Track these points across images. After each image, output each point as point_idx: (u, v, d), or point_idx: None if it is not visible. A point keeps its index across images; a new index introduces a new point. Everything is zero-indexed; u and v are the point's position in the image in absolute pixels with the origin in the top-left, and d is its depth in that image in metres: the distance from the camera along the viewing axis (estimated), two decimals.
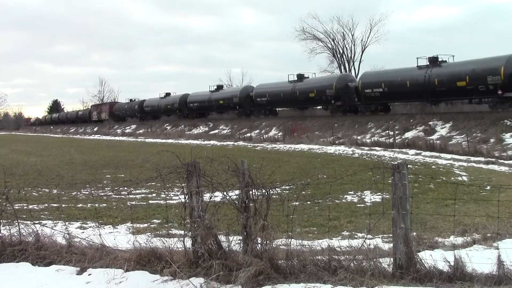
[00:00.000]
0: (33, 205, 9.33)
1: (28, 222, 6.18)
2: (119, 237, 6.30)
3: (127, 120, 67.07)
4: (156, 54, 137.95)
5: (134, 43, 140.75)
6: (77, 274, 5.25)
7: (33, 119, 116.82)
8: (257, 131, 37.46)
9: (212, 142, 34.92)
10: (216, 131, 42.61)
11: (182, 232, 5.53)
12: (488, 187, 11.41)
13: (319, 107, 41.04)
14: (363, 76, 35.22)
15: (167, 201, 8.98)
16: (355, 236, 7.12)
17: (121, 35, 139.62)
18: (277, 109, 43.96)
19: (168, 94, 58.01)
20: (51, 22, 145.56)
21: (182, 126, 49.45)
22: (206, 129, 44.93)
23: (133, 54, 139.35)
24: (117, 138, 50.03)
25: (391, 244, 4.93)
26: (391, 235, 4.90)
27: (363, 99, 33.55)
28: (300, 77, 39.94)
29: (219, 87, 50.88)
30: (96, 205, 9.61)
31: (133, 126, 58.83)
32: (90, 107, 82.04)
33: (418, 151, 21.14)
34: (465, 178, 13.64)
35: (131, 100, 66.57)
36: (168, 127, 51.37)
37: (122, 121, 67.40)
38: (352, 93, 34.74)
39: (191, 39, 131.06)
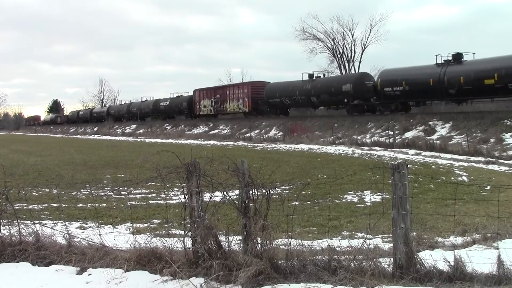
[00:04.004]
0: (33, 205, 9.33)
1: (28, 222, 6.18)
2: (119, 237, 6.30)
3: (289, 114, 41.00)
4: (155, 54, 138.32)
5: (132, 43, 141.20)
6: (77, 274, 5.25)
7: (48, 116, 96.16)
8: (257, 131, 37.45)
9: (212, 142, 34.92)
10: (216, 131, 42.61)
11: (182, 232, 5.53)
12: (488, 187, 11.41)
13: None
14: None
15: (167, 201, 8.98)
16: (355, 236, 7.11)
17: (119, 35, 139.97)
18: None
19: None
20: (49, 22, 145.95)
21: (182, 126, 49.44)
22: (206, 129, 44.92)
23: (131, 54, 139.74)
24: (117, 138, 50.02)
25: (391, 244, 4.92)
26: (391, 235, 4.90)
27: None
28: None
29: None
30: (96, 205, 9.61)
31: (133, 126, 58.82)
32: (194, 93, 50.63)
33: (418, 151, 21.14)
34: (465, 178, 13.63)
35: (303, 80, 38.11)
36: (168, 127, 51.37)
37: (281, 114, 40.65)
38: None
39: (189, 39, 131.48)
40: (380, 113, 32.87)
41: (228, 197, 5.13)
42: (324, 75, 40.75)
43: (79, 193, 11.63)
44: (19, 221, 6.06)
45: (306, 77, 38.39)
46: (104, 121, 68.98)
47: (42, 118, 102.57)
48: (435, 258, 4.69)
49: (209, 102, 47.98)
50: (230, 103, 45.21)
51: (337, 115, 36.04)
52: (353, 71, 56.11)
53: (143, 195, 11.12)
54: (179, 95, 55.21)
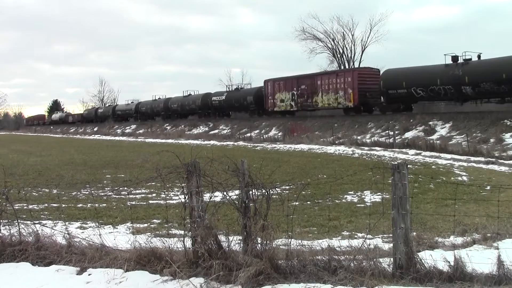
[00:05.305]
0: (33, 205, 9.33)
1: (28, 222, 6.17)
2: (119, 237, 6.31)
3: (412, 110, 31.14)
4: (155, 54, 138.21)
5: (132, 43, 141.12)
6: (77, 274, 5.25)
7: (57, 115, 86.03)
8: (257, 131, 37.45)
9: (212, 142, 34.91)
10: (216, 131, 42.60)
11: (182, 232, 5.53)
12: (488, 187, 11.41)
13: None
14: None
15: (167, 201, 8.97)
16: (355, 236, 7.11)
17: (119, 35, 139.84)
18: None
19: None
20: (49, 22, 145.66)
21: (182, 126, 49.43)
22: (206, 129, 44.91)
23: (131, 54, 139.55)
24: (117, 138, 50.01)
25: (391, 244, 4.93)
26: (391, 235, 4.90)
27: None
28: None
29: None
30: (96, 205, 9.60)
31: (133, 126, 58.75)
32: (265, 84, 40.45)
33: (418, 151, 21.14)
34: (465, 178, 13.63)
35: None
36: (168, 127, 51.35)
37: (404, 110, 30.57)
38: None
39: (189, 39, 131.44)
40: None
41: (228, 197, 5.14)
42: (478, 56, 26.66)
43: (79, 193, 11.63)
44: (19, 221, 6.06)
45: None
46: (129, 119, 59.22)
47: (47, 117, 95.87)
48: (435, 258, 4.69)
49: (288, 96, 37.54)
50: (323, 96, 34.62)
51: (337, 115, 34.25)
52: None
53: (143, 195, 11.12)
54: (240, 87, 45.87)
